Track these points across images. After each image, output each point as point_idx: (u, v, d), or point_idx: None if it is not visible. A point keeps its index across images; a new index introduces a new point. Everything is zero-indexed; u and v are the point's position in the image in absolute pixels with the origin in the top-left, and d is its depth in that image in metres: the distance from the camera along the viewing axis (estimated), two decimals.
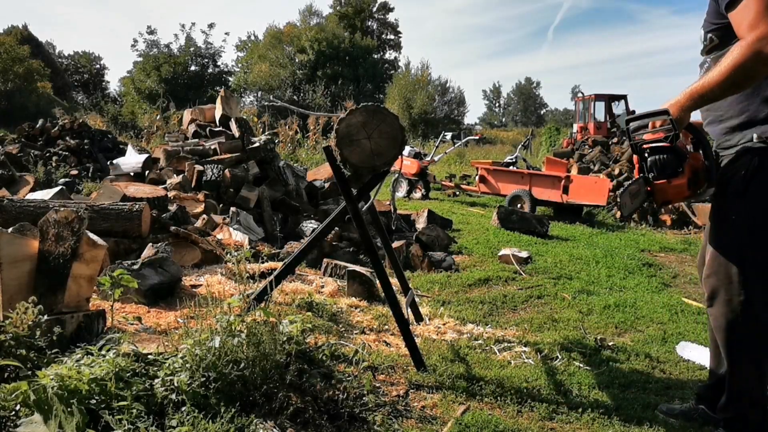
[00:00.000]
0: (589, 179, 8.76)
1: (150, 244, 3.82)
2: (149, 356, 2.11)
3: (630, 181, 2.31)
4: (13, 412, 1.68)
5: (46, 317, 2.15)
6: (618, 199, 2.23)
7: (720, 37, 2.08)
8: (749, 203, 2.03)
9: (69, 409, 1.57)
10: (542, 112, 74.43)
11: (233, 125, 6.87)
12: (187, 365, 1.98)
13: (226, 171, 5.88)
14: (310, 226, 5.58)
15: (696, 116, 2.23)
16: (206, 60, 35.27)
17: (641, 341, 3.40)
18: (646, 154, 2.20)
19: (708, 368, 2.49)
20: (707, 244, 2.21)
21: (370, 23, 43.07)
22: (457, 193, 11.57)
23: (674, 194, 2.18)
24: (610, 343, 3.29)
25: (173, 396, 1.90)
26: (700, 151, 2.16)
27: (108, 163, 8.03)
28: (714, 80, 1.94)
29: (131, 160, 6.93)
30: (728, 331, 2.09)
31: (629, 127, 2.24)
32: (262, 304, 2.55)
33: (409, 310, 3.22)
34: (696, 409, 2.39)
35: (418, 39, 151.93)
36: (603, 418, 2.36)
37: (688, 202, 2.38)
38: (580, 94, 21.03)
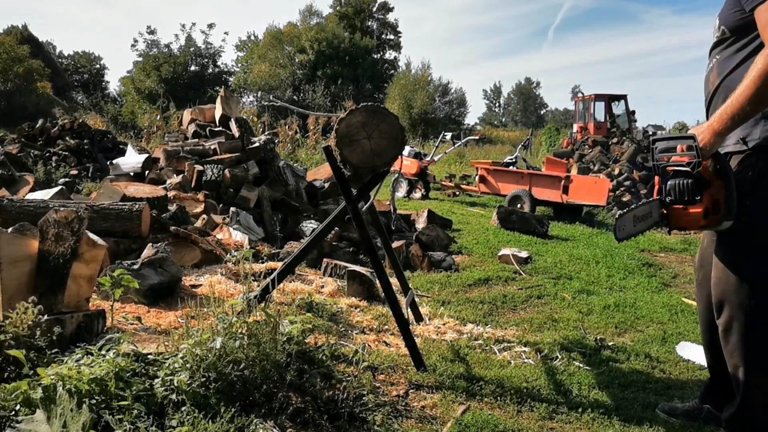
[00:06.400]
0: (589, 179, 8.76)
1: (150, 244, 3.81)
2: (149, 356, 2.11)
3: (636, 204, 2.23)
4: (13, 412, 1.68)
5: (46, 317, 2.15)
6: (616, 217, 2.17)
7: (733, 30, 1.97)
8: (758, 203, 1.96)
9: (79, 409, 1.57)
10: (542, 112, 74.35)
11: (233, 125, 6.87)
12: (188, 365, 1.98)
13: (226, 171, 5.88)
14: (310, 226, 5.58)
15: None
16: (206, 60, 35.21)
17: (641, 341, 3.40)
18: (668, 177, 2.13)
19: (707, 368, 2.47)
20: (711, 250, 2.14)
21: (370, 23, 43.02)
22: (457, 193, 11.56)
23: (689, 221, 2.11)
24: (610, 343, 3.29)
25: (173, 396, 1.90)
26: (724, 182, 2.04)
27: (108, 163, 8.03)
28: (743, 96, 1.80)
29: (131, 160, 6.94)
30: (743, 338, 2.01)
31: (655, 147, 2.18)
32: (263, 304, 2.55)
33: (409, 310, 3.21)
34: (701, 408, 2.37)
35: (418, 39, 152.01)
36: (603, 418, 2.36)
37: (702, 230, 2.28)
38: (579, 94, 21.00)
